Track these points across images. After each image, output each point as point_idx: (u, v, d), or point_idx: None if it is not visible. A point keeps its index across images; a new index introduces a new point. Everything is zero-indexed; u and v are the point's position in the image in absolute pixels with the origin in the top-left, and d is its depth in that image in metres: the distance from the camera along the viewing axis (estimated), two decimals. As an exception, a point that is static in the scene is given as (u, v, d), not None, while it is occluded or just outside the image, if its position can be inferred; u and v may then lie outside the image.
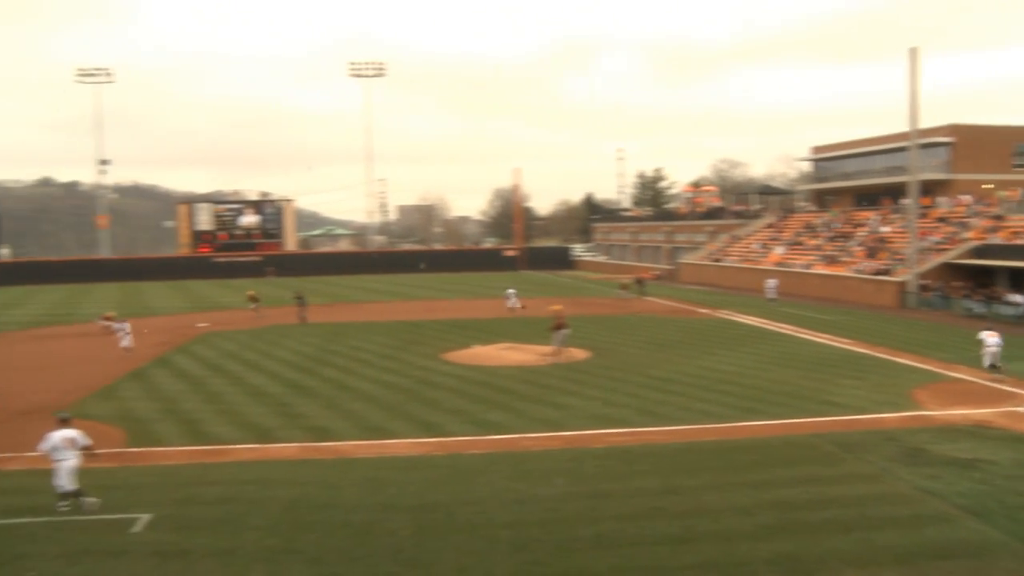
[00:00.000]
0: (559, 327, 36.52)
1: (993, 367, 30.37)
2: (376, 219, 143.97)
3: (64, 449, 17.00)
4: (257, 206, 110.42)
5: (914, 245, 57.50)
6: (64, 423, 17.56)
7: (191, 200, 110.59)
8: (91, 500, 16.96)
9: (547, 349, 37.54)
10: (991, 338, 30.73)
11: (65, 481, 16.86)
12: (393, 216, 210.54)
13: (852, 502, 16.96)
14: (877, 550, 14.48)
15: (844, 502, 16.96)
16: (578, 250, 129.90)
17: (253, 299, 56.32)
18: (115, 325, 42.40)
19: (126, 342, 39.85)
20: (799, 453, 20.90)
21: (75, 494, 16.93)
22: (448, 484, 18.67)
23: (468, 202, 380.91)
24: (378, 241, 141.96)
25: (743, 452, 21.02)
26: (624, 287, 67.21)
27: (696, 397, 27.65)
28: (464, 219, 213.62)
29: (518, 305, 56.33)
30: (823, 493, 17.59)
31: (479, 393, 28.79)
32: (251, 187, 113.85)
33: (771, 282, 61.68)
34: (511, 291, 58.68)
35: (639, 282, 67.77)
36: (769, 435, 22.80)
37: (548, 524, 15.93)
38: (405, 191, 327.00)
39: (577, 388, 29.39)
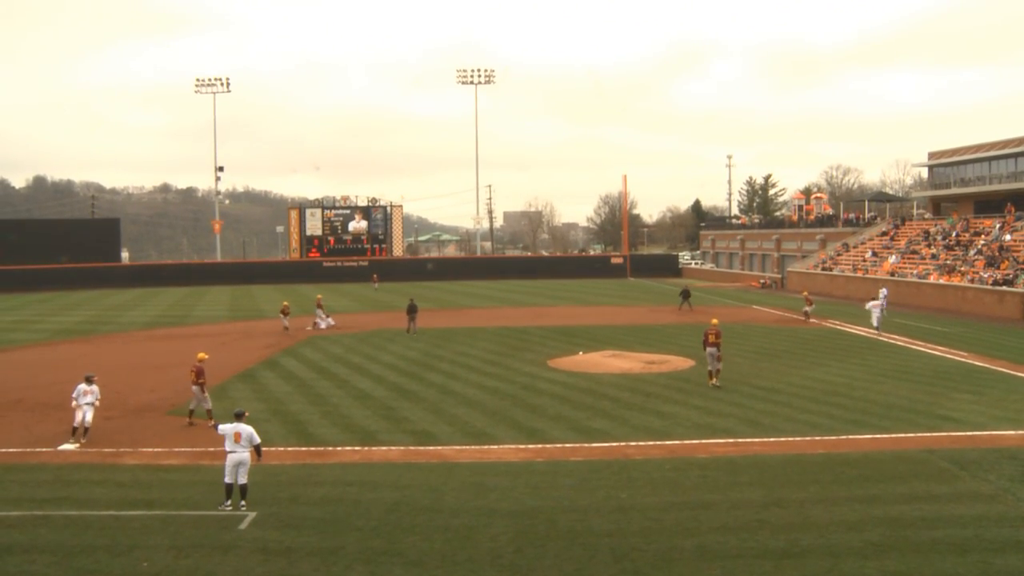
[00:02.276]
0: (716, 344, 30.90)
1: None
2: (482, 225, 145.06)
3: (232, 442, 17.67)
4: (365, 211, 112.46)
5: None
6: (238, 417, 18.21)
7: (301, 205, 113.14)
8: (229, 505, 17.34)
9: (653, 357, 37.28)
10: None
11: (227, 474, 17.49)
12: (499, 222, 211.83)
13: (968, 522, 16.32)
14: (996, 574, 13.89)
15: (959, 522, 16.34)
16: (685, 258, 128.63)
17: (285, 312, 51.37)
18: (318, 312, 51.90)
19: (322, 325, 51.00)
20: (911, 469, 20.21)
21: (231, 490, 17.42)
22: (550, 491, 18.67)
23: (575, 209, 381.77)
24: (485, 247, 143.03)
25: (851, 466, 20.45)
26: (806, 309, 55.76)
27: (802, 408, 27.04)
28: (571, 226, 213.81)
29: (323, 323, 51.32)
30: (936, 511, 16.98)
31: (583, 400, 28.72)
32: (360, 192, 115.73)
33: (876, 304, 50.12)
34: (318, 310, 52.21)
35: (685, 294, 63.09)
36: (879, 449, 22.14)
37: (649, 534, 15.78)
38: (512, 197, 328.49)
39: (681, 397, 29.06)
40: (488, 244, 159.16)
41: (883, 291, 59.03)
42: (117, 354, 42.00)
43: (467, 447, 22.76)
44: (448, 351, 40.75)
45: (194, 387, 25.55)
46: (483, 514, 16.96)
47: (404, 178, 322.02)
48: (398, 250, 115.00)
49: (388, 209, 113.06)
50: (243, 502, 17.36)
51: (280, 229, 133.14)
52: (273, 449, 22.48)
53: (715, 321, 32.78)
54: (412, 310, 48.25)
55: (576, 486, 18.95)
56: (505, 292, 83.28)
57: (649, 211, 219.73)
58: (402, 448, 22.69)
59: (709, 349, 30.94)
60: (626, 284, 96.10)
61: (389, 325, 52.27)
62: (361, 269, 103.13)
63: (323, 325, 51.25)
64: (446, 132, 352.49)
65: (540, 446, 22.75)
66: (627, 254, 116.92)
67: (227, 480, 17.43)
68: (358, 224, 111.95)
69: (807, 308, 55.44)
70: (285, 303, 53.95)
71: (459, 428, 24.79)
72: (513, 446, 22.80)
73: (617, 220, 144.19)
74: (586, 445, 22.85)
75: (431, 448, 22.68)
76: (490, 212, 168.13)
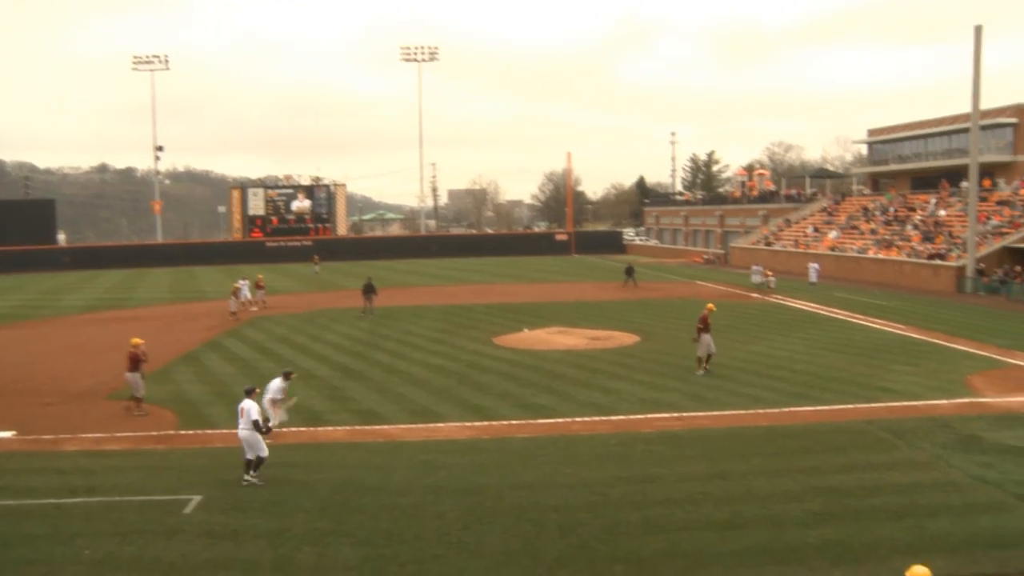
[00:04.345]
0: (706, 329, 29.30)
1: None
2: (427, 203, 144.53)
3: (240, 418, 17.97)
4: (309, 191, 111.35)
5: (973, 229, 56.40)
6: (248, 394, 18.37)
7: (243, 185, 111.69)
8: (248, 478, 17.77)
9: (598, 333, 37.59)
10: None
11: (246, 450, 17.88)
12: (444, 200, 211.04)
13: (904, 489, 16.76)
14: (929, 538, 14.30)
15: (896, 489, 16.78)
16: (629, 234, 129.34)
17: (237, 293, 49.05)
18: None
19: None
20: (850, 439, 20.67)
21: (248, 465, 17.80)
22: (496, 468, 18.78)
23: (519, 186, 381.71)
24: (429, 225, 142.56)
25: (793, 438, 20.87)
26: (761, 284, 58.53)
27: (746, 382, 27.45)
28: (515, 203, 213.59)
29: (248, 296, 50.58)
30: (874, 480, 17.40)
31: (528, 377, 28.86)
32: (303, 172, 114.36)
33: (814, 266, 61.35)
34: (243, 282, 50.86)
35: (629, 271, 63.03)
36: (820, 421, 22.58)
37: (595, 508, 15.96)
38: (456, 175, 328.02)
39: (626, 372, 29.33)
40: (432, 222, 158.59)
41: (814, 266, 60.55)
42: (55, 339, 41.24)
43: (413, 426, 22.77)
44: (393, 330, 40.64)
45: (128, 374, 24.86)
46: (430, 492, 17.02)
47: (348, 157, 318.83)
48: (342, 229, 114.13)
49: (331, 188, 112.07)
50: (250, 475, 17.72)
51: (222, 209, 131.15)
52: (217, 432, 22.32)
53: (710, 306, 31.14)
54: (369, 290, 47.68)
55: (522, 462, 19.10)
56: (450, 270, 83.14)
57: (593, 188, 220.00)
58: (348, 428, 22.65)
59: (701, 336, 29.10)
60: (571, 261, 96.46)
61: (334, 305, 51.93)
62: (305, 249, 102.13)
63: (251, 301, 50.99)
64: (390, 110, 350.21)
65: (486, 423, 22.84)
66: (571, 231, 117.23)
67: (246, 456, 17.86)
68: (301, 204, 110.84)
69: (769, 279, 57.50)
70: (236, 285, 52.41)
71: (405, 407, 24.79)
72: (459, 424, 22.87)
73: (561, 197, 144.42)
74: (532, 422, 22.99)
75: (377, 427, 22.66)
76: (434, 190, 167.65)
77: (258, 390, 19.29)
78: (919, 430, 21.30)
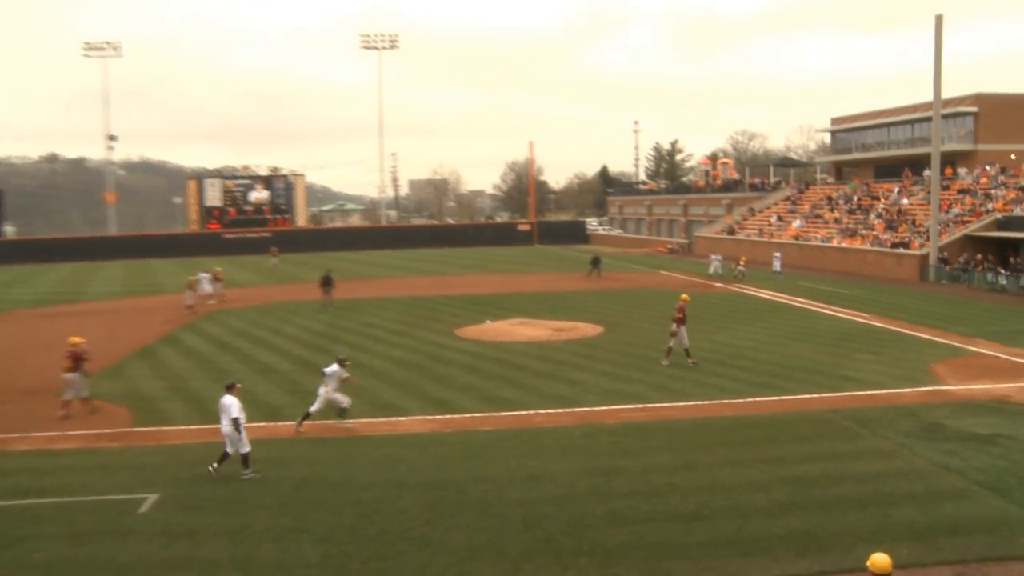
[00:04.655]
0: (679, 320, 29.22)
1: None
2: (387, 193, 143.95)
3: (222, 415, 17.99)
4: (267, 181, 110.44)
5: (935, 217, 57.17)
6: (228, 389, 18.32)
7: (200, 176, 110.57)
8: (248, 473, 17.83)
9: (561, 325, 37.66)
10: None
11: (226, 445, 17.98)
12: (404, 190, 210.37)
13: (868, 478, 16.96)
14: (893, 526, 14.49)
15: (860, 478, 16.97)
16: (592, 224, 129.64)
17: (191, 285, 48.38)
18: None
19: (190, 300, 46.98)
20: (815, 429, 20.89)
21: (236, 459, 17.90)
22: (459, 461, 18.75)
23: (481, 176, 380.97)
24: (390, 216, 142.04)
25: (758, 428, 21.04)
26: (735, 270, 58.54)
27: (711, 372, 27.64)
28: (477, 193, 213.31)
29: (208, 289, 50.13)
30: (839, 469, 17.59)
31: (491, 369, 28.86)
32: (261, 162, 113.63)
33: (776, 255, 62.16)
34: (204, 275, 50.99)
35: (595, 261, 62.86)
36: (785, 411, 22.79)
37: (561, 501, 15.98)
38: (417, 165, 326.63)
39: (590, 364, 29.41)
40: (393, 213, 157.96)
41: (777, 254, 61.22)
42: (2, 335, 40.57)
43: (375, 420, 22.69)
44: (354, 322, 40.46)
45: (67, 375, 23.50)
46: (393, 487, 16.96)
47: (307, 147, 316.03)
48: (301, 220, 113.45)
49: (290, 178, 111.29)
50: (245, 471, 17.80)
51: (178, 200, 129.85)
52: (174, 428, 22.09)
53: (684, 296, 30.84)
54: (327, 283, 47.28)
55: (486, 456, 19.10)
56: (411, 261, 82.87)
57: (556, 177, 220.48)
58: (309, 423, 22.48)
59: (673, 325, 29.14)
60: (533, 251, 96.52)
61: (293, 297, 51.58)
62: (263, 241, 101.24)
63: (209, 294, 50.38)
64: (350, 99, 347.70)
65: (449, 416, 22.80)
66: (534, 221, 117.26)
67: (226, 450, 17.95)
68: (259, 194, 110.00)
69: (741, 268, 58.02)
70: (192, 277, 51.74)
71: (367, 400, 24.63)
72: (421, 417, 22.81)
73: (524, 187, 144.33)
74: (495, 414, 22.99)
75: (339, 422, 22.52)
76: (395, 180, 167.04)
77: (239, 385, 19.13)
78: (883, 419, 21.56)
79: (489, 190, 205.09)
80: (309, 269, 69.80)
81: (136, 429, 22.26)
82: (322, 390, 21.56)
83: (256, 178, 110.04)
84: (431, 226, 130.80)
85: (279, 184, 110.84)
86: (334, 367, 21.78)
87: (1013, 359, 29.40)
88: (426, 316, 42.17)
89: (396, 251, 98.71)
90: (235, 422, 17.71)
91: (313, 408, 21.66)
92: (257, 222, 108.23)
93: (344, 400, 21.86)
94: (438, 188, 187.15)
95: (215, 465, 17.80)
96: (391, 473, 17.92)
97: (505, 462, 18.59)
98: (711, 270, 61.46)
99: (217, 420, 18.28)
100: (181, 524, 15.18)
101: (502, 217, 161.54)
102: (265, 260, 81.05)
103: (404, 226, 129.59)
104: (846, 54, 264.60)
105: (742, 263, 58.77)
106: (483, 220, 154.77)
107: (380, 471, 18.09)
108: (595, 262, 62.92)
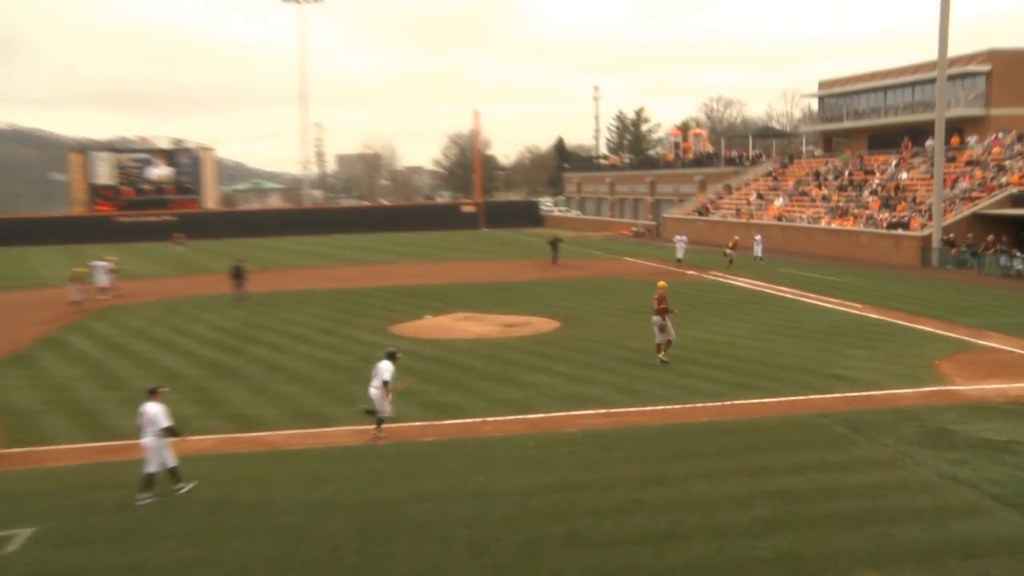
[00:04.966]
0: (660, 311, 29.51)
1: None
2: (311, 171, 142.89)
3: (146, 426, 17.63)
4: (169, 156, 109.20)
5: (939, 193, 57.66)
6: (150, 395, 18.04)
7: (86, 148, 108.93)
8: (182, 486, 17.67)
9: (512, 319, 37.62)
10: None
11: (148, 463, 17.55)
12: (331, 167, 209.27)
13: (865, 492, 17.06)
14: (895, 547, 14.53)
15: (856, 492, 17.07)
16: (547, 204, 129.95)
17: (77, 278, 47.75)
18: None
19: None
20: (803, 435, 21.04)
21: (148, 481, 17.45)
22: (396, 478, 18.63)
23: (420, 150, 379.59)
24: (314, 196, 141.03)
25: (738, 435, 21.13)
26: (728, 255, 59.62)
27: (683, 372, 27.78)
28: (415, 170, 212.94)
29: (102, 282, 50.12)
30: (831, 481, 17.70)
31: (432, 371, 28.78)
32: (162, 134, 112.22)
33: (756, 238, 62.81)
34: (99, 263, 51.13)
35: (554, 243, 64.17)
36: (768, 415, 22.95)
37: (513, 522, 15.92)
38: (346, 138, 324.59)
39: (545, 364, 29.41)
40: (318, 193, 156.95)
41: (757, 238, 61.65)
42: None
43: (298, 431, 22.51)
44: (273, 319, 40.19)
45: None
46: (319, 509, 16.79)
47: (217, 116, 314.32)
48: (211, 201, 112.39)
49: (197, 153, 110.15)
50: (144, 496, 17.36)
51: (59, 177, 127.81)
52: (55, 448, 21.64)
53: (662, 284, 31.08)
54: (238, 274, 46.81)
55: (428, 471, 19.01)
56: (339, 248, 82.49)
57: (505, 152, 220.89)
58: (220, 436, 22.22)
59: (654, 318, 29.50)
60: (480, 236, 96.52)
61: (202, 291, 51.05)
62: (165, 225, 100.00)
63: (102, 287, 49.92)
64: (267, 61, 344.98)
65: (385, 426, 22.65)
66: (480, 201, 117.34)
67: (147, 469, 17.55)
68: (160, 171, 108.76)
69: (730, 252, 58.40)
70: (78, 269, 50.97)
71: (288, 409, 24.47)
72: (352, 428, 22.63)
73: (468, 163, 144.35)
74: (437, 423, 22.93)
75: (255, 434, 22.32)
76: (320, 155, 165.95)
77: (164, 388, 18.82)
78: (880, 423, 21.76)
79: (429, 166, 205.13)
80: (220, 258, 69.18)
81: (6, 451, 21.69)
82: (373, 390, 21.65)
83: (156, 152, 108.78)
84: (362, 208, 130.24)
85: (184, 159, 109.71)
86: (385, 362, 21.77)
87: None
88: (357, 311, 42.04)
89: (322, 237, 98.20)
90: (162, 431, 17.45)
91: (385, 414, 21.74)
92: (158, 203, 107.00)
93: (387, 407, 21.89)
94: (370, 164, 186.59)
95: (182, 485, 17.76)
96: (317, 493, 17.75)
97: (449, 478, 18.51)
98: (678, 255, 61.84)
99: (127, 435, 17.96)
100: (62, 563, 14.70)
101: (444, 197, 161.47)
102: (168, 248, 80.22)
103: (331, 208, 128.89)
104: (837, 7, 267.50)
105: (731, 246, 59.03)
106: (422, 201, 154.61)
107: (304, 491, 17.91)
108: (554, 245, 63.05)
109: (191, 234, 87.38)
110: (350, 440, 21.72)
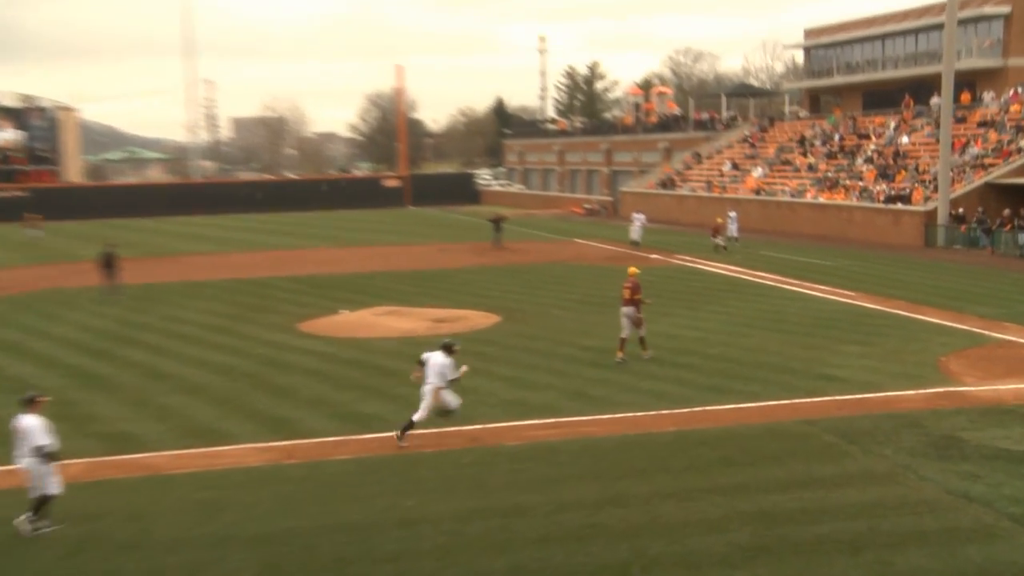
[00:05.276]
0: (632, 302, 29.71)
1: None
2: (201, 137, 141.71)
3: (20, 445, 17.14)
4: (17, 116, 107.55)
5: (946, 160, 57.91)
6: (27, 405, 17.48)
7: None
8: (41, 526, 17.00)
9: (443, 313, 37.63)
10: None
11: (33, 489, 17.04)
12: (226, 133, 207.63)
13: (860, 512, 17.19)
14: (896, 575, 14.73)
15: (849, 512, 17.20)
16: (485, 177, 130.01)
17: None
18: None
19: None
20: (787, 446, 21.21)
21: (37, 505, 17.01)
22: (308, 504, 18.56)
23: (333, 113, 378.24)
24: (205, 168, 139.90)
25: (710, 446, 21.27)
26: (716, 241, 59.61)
27: (646, 373, 27.94)
28: (327, 137, 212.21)
29: None
30: (820, 500, 17.84)
31: (349, 376, 28.78)
32: (6, 88, 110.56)
33: (731, 215, 62.43)
34: None
35: (496, 222, 64.46)
36: (746, 423, 23.11)
37: (446, 554, 15.91)
38: (244, 98, 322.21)
39: (483, 365, 29.34)
40: (210, 164, 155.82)
41: (732, 214, 61.45)
42: None
43: (187, 451, 22.29)
44: (155, 316, 39.90)
45: None
46: (214, 544, 16.65)
47: (79, 68, 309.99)
48: (74, 173, 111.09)
49: (54, 113, 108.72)
50: (35, 522, 16.94)
51: None
52: None
53: (633, 270, 31.11)
54: (109, 262, 46.12)
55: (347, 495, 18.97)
56: (236, 231, 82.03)
57: (435, 116, 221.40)
58: (88, 460, 21.86)
59: (625, 309, 29.67)
60: (406, 215, 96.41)
61: (64, 283, 50.48)
62: (15, 203, 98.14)
63: None
64: (146, 1, 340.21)
65: (292, 443, 22.56)
66: (406, 175, 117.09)
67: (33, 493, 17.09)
68: (6, 135, 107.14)
69: (719, 241, 57.99)
70: None
71: (174, 425, 24.26)
72: (253, 445, 22.51)
73: (391, 128, 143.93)
74: (356, 437, 22.88)
75: (133, 456, 22.03)
76: (212, 119, 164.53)
77: (46, 398, 18.45)
78: (878, 431, 21.98)
79: (344, 133, 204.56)
80: (87, 243, 68.33)
81: None
82: (427, 388, 21.84)
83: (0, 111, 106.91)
84: (264, 182, 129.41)
85: (37, 121, 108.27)
86: (437, 355, 21.96)
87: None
88: (258, 306, 41.90)
89: (215, 217, 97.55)
90: (41, 451, 17.09)
91: (418, 416, 21.88)
92: (4, 175, 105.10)
93: (453, 401, 22.18)
94: (273, 130, 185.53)
95: (32, 516, 17.11)
96: (211, 525, 17.60)
97: (370, 503, 18.47)
98: (633, 236, 61.88)
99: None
100: None
101: (362, 170, 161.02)
102: (20, 231, 79.11)
103: (226, 182, 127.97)
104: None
105: (716, 229, 58.68)
106: (336, 174, 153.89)
107: (195, 523, 17.75)
108: (496, 224, 63.01)
109: (50, 214, 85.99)
110: (251, 460, 21.55)
